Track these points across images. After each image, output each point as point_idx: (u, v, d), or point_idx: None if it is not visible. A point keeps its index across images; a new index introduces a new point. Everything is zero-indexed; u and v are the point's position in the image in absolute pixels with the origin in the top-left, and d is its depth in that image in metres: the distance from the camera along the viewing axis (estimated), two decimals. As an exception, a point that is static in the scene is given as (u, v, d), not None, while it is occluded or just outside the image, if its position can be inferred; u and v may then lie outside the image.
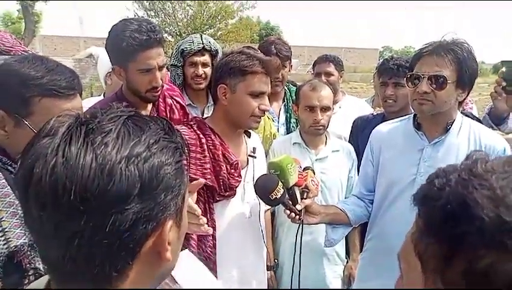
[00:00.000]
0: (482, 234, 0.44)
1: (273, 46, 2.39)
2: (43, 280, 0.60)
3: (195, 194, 1.40)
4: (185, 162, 0.58)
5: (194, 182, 1.24)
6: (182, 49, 2.20)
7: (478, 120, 2.21)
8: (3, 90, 0.98)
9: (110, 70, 2.33)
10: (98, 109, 0.54)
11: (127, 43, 1.56)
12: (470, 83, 1.52)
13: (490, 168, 0.50)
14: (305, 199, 1.56)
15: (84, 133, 0.50)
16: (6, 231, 0.93)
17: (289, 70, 2.54)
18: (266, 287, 1.74)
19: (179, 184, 0.55)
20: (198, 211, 1.23)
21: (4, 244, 0.92)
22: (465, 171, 0.51)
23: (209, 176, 1.45)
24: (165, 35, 21.25)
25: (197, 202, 1.43)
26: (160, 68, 1.66)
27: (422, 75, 1.50)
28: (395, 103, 2.19)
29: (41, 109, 0.99)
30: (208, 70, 2.19)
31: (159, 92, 1.72)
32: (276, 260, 2.04)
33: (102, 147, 0.49)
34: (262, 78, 1.48)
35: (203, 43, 2.17)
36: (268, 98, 2.46)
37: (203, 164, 1.46)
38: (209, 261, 1.46)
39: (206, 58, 2.19)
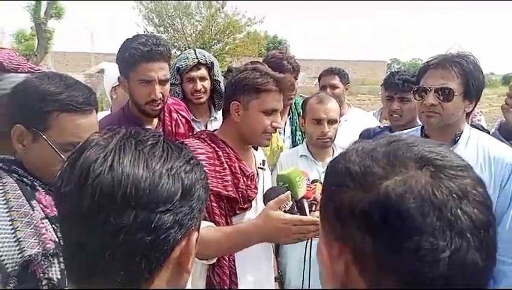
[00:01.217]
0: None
1: (285, 61, 2.40)
2: None
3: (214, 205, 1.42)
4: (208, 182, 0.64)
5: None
6: (178, 67, 2.20)
7: (487, 132, 2.20)
8: (23, 105, 1.02)
9: (116, 84, 2.38)
10: (139, 128, 0.62)
11: (129, 53, 1.65)
12: (476, 95, 1.53)
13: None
14: (314, 211, 1.56)
15: (135, 143, 0.57)
16: (21, 241, 0.94)
17: (297, 84, 2.56)
18: None
19: (206, 199, 0.62)
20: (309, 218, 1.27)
21: (19, 253, 0.94)
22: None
23: (230, 188, 1.46)
24: (174, 50, 21.57)
25: (219, 216, 1.44)
26: (161, 82, 1.70)
27: (429, 88, 1.52)
28: (400, 117, 2.21)
29: (59, 123, 1.03)
30: (206, 83, 2.21)
31: (159, 106, 1.74)
32: (279, 271, 2.04)
33: (152, 156, 0.56)
34: (275, 95, 1.49)
35: (197, 58, 2.17)
36: None
37: (223, 177, 1.46)
38: (232, 274, 1.46)
39: (203, 72, 2.19)
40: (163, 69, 1.69)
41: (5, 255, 0.93)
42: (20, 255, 0.94)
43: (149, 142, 0.58)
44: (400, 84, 2.18)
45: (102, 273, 0.55)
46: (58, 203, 0.59)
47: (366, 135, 2.37)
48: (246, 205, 1.49)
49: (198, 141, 1.51)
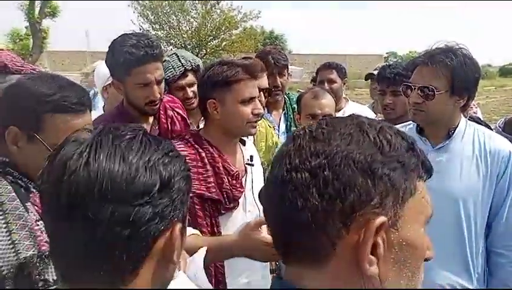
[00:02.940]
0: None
1: (270, 56, 2.40)
2: None
3: (198, 208, 1.41)
4: (190, 173, 0.64)
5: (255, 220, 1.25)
6: (165, 78, 2.11)
7: (486, 125, 2.19)
8: (17, 107, 1.02)
9: (107, 83, 2.35)
10: (120, 124, 0.62)
11: (123, 58, 1.60)
12: (466, 89, 1.52)
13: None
14: None
15: (112, 138, 0.57)
16: (16, 243, 0.95)
17: (287, 79, 2.55)
18: None
19: (188, 190, 0.62)
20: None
21: (14, 256, 0.94)
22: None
23: (213, 190, 1.45)
24: (170, 47, 21.49)
25: (203, 217, 1.44)
26: (158, 82, 1.68)
27: (413, 86, 1.54)
28: (393, 111, 2.21)
29: (53, 124, 1.03)
30: (195, 88, 2.13)
31: (158, 106, 1.74)
32: (277, 263, 2.03)
33: (129, 150, 0.56)
34: (248, 83, 1.47)
35: (183, 65, 2.11)
36: (269, 107, 2.49)
37: (206, 178, 1.45)
38: (218, 274, 1.45)
39: (190, 78, 2.14)
40: (159, 68, 1.68)
41: (1, 258, 0.93)
42: (15, 258, 0.94)
43: (127, 137, 0.58)
44: (392, 78, 2.17)
45: (85, 268, 0.55)
46: (40, 200, 0.59)
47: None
48: (231, 205, 1.48)
49: (181, 142, 1.50)
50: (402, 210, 0.53)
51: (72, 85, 1.08)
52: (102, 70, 2.40)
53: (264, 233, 1.22)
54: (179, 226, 0.60)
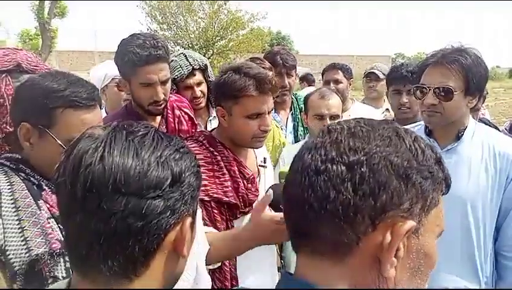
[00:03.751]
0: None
1: (278, 57, 2.41)
2: (64, 282, 0.65)
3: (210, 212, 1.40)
4: (201, 169, 0.66)
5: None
6: (173, 78, 2.14)
7: (495, 127, 2.17)
8: (28, 103, 1.04)
9: (103, 85, 2.36)
10: (132, 121, 0.65)
11: (128, 58, 1.63)
12: (479, 89, 1.50)
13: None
14: None
15: (126, 134, 0.59)
16: (28, 240, 0.96)
17: (295, 79, 2.56)
18: None
19: (198, 186, 0.64)
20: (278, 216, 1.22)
21: (26, 253, 0.95)
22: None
23: (230, 194, 1.42)
24: (178, 47, 21.56)
25: (220, 221, 1.42)
26: (163, 83, 1.70)
27: (428, 87, 1.50)
28: (410, 110, 2.19)
29: (64, 119, 1.04)
30: (203, 87, 2.17)
31: (162, 106, 1.75)
32: (282, 261, 2.04)
33: (142, 145, 0.59)
34: (258, 98, 1.40)
35: (191, 64, 2.11)
36: (276, 107, 2.49)
37: (223, 182, 1.43)
38: (232, 278, 1.45)
39: (198, 77, 2.15)
40: (164, 69, 1.69)
41: (13, 254, 0.95)
42: (27, 254, 0.96)
43: (140, 133, 0.60)
44: (410, 76, 2.15)
45: (99, 259, 0.57)
46: (56, 194, 0.61)
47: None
48: (247, 209, 1.46)
49: (196, 144, 1.48)
50: (426, 219, 0.55)
51: (81, 81, 1.10)
52: (97, 73, 2.43)
53: (272, 212, 1.21)
54: (189, 220, 0.62)
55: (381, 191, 0.52)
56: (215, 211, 1.42)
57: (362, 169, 0.52)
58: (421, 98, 1.53)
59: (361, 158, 0.52)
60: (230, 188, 1.43)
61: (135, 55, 1.62)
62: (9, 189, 1.00)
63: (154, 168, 0.57)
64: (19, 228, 0.96)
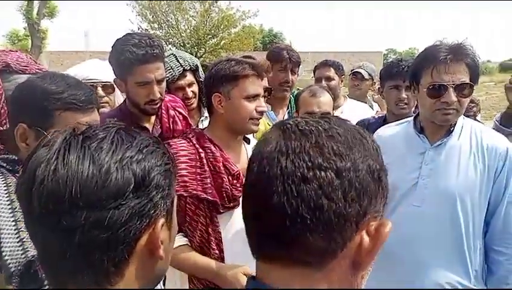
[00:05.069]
0: None
1: (285, 52, 2.45)
2: None
3: (193, 207, 1.45)
4: (171, 167, 0.62)
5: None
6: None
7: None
8: (26, 104, 1.04)
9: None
10: (93, 123, 0.61)
11: (125, 57, 1.63)
12: (476, 83, 1.52)
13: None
14: None
15: (82, 140, 0.55)
16: (24, 241, 0.96)
17: (297, 78, 2.59)
18: None
19: (168, 185, 0.60)
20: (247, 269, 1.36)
21: (22, 253, 0.95)
22: None
23: (209, 191, 1.46)
24: (169, 46, 21.47)
25: (198, 216, 1.45)
26: (159, 82, 1.70)
27: (447, 84, 1.46)
28: (407, 106, 2.20)
29: (61, 121, 1.04)
30: (195, 88, 2.17)
31: (158, 105, 1.76)
32: None
33: (99, 151, 0.55)
34: (254, 80, 1.50)
35: (181, 65, 2.11)
36: (275, 104, 2.51)
37: (203, 179, 1.47)
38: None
39: (189, 77, 2.15)
40: (160, 68, 1.70)
41: (9, 255, 0.95)
42: (23, 256, 0.95)
43: (98, 137, 0.56)
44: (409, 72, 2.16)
45: (69, 273, 0.55)
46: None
47: (361, 125, 2.36)
48: (231, 204, 1.49)
49: (184, 141, 1.52)
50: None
51: (80, 84, 1.10)
52: (80, 74, 2.40)
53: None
54: (161, 221, 0.59)
55: (363, 196, 0.52)
56: (189, 207, 1.45)
57: (349, 175, 0.52)
58: (437, 96, 1.48)
59: (348, 164, 0.52)
60: (209, 185, 1.46)
61: (131, 54, 1.62)
62: (5, 190, 1.00)
63: (114, 174, 0.54)
64: (15, 229, 0.96)
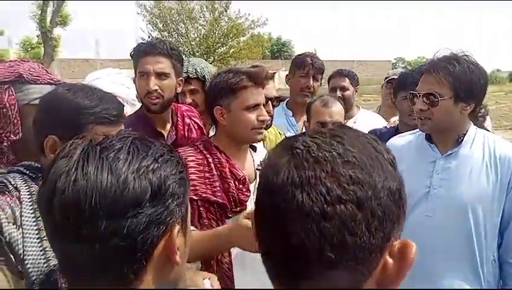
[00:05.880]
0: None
1: (308, 58, 2.52)
2: None
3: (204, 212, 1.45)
4: (185, 174, 0.64)
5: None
6: None
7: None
8: (58, 118, 1.04)
9: None
10: (109, 134, 0.64)
11: (134, 50, 1.83)
12: (472, 96, 1.51)
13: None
14: None
15: (99, 151, 0.57)
16: (47, 250, 0.96)
17: (320, 84, 2.63)
18: None
19: (183, 192, 0.62)
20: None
21: (44, 263, 0.96)
22: None
23: (219, 194, 1.48)
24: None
25: (210, 220, 1.47)
26: (158, 76, 1.75)
27: (418, 93, 1.57)
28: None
29: (93, 134, 1.04)
30: (199, 96, 2.13)
31: (157, 100, 1.77)
32: None
33: (116, 161, 0.56)
34: (253, 90, 1.52)
35: (187, 72, 2.10)
36: (296, 109, 2.54)
37: (212, 183, 1.49)
38: (227, 278, 1.47)
39: (193, 86, 2.13)
40: (161, 62, 1.75)
41: (31, 263, 0.95)
42: (45, 265, 0.96)
43: (115, 147, 0.58)
44: None
45: (89, 281, 0.57)
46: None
47: (373, 135, 2.36)
48: (238, 208, 1.51)
49: (192, 148, 1.55)
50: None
51: (110, 97, 1.11)
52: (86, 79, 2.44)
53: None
54: (177, 228, 0.61)
55: (387, 223, 0.49)
56: (202, 210, 1.47)
57: (371, 204, 0.48)
58: (414, 104, 1.60)
59: (369, 193, 0.48)
60: (218, 188, 1.49)
61: (139, 46, 1.81)
62: (29, 198, 1.00)
63: (131, 184, 0.55)
64: (37, 238, 0.97)
